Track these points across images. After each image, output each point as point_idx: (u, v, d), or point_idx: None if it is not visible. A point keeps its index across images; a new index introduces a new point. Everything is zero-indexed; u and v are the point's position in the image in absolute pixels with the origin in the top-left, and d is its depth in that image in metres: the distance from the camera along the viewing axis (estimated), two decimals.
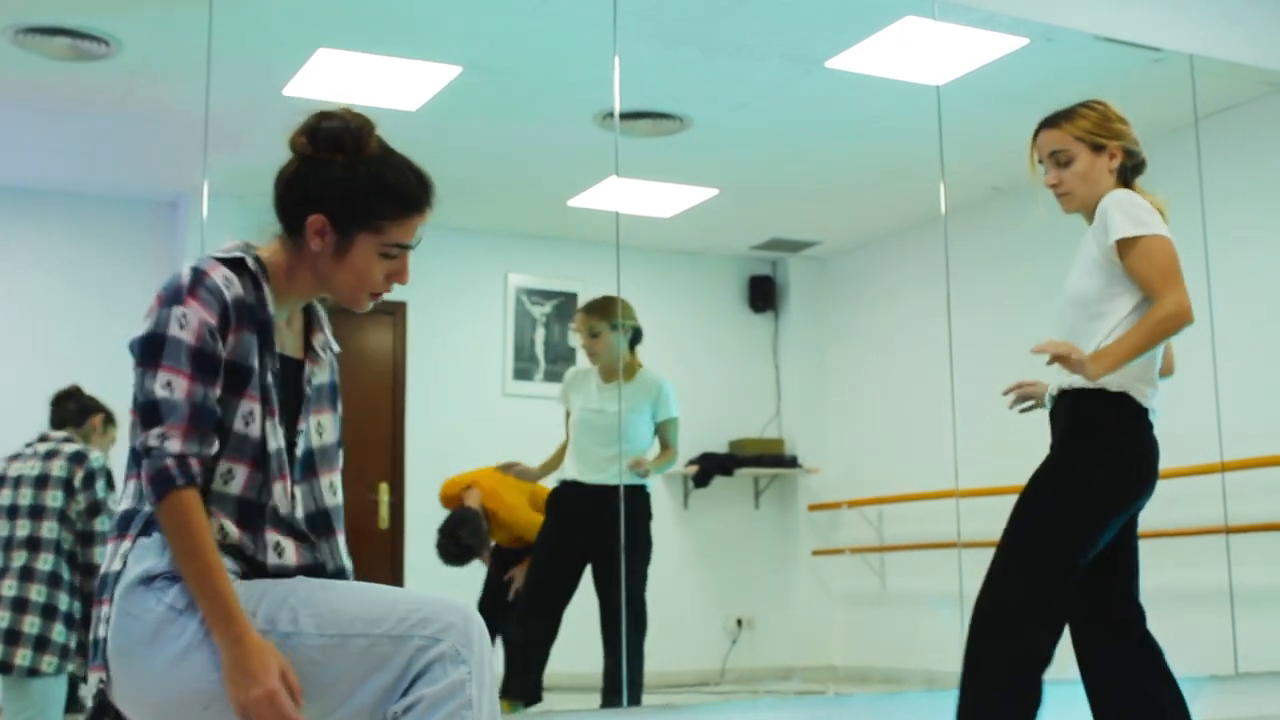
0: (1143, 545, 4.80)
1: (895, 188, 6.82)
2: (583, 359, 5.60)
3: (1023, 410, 3.49)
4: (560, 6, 5.13)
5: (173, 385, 2.10)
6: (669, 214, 7.02)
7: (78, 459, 4.50)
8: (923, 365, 5.66)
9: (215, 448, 2.14)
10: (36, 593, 4.37)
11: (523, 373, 6.80)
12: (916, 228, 6.80)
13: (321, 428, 2.37)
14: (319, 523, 2.33)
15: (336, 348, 2.45)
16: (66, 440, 4.56)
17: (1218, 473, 5.77)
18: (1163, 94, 6.13)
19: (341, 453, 2.43)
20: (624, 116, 5.49)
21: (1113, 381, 3.19)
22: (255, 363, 2.21)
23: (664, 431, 5.33)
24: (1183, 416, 6.04)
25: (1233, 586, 5.73)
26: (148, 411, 2.10)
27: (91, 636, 2.17)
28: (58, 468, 4.47)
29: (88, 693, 2.17)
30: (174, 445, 2.08)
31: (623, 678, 4.85)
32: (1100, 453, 3.21)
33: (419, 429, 6.57)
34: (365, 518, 5.76)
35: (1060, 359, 3.16)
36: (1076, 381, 3.22)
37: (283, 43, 5.16)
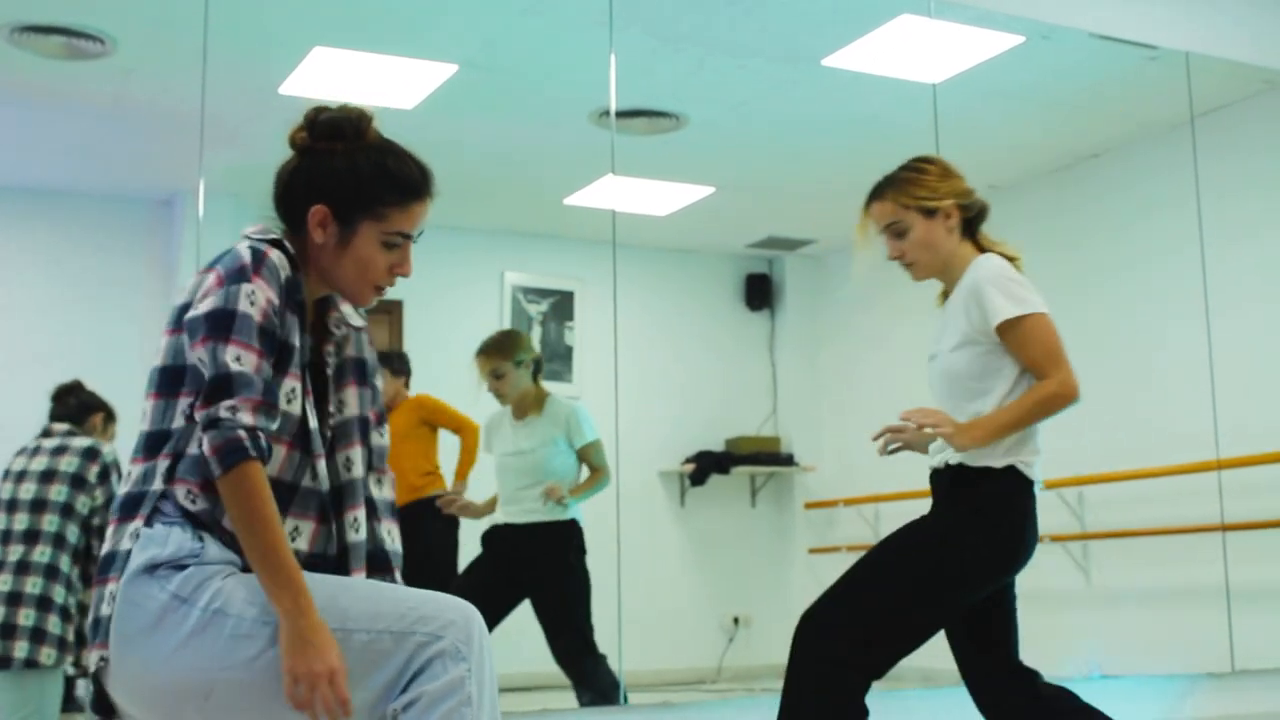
0: (1140, 543, 4.83)
1: None
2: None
3: (890, 452, 3.41)
4: (556, 5, 5.14)
5: (243, 359, 2.09)
6: (665, 212, 7.02)
7: (90, 454, 4.48)
8: (919, 363, 5.65)
9: (278, 424, 2.15)
10: (32, 585, 4.35)
11: None
12: None
13: (343, 404, 2.38)
14: (334, 499, 2.34)
15: (359, 322, 2.43)
16: (72, 434, 4.54)
17: (1214, 470, 5.78)
18: (1159, 92, 6.14)
19: (366, 428, 2.40)
20: (620, 115, 5.49)
21: (998, 454, 3.08)
22: (298, 342, 2.22)
23: (587, 456, 5.19)
24: (1179, 415, 6.08)
25: (1229, 584, 5.74)
26: (219, 383, 2.08)
27: (93, 615, 2.16)
28: (65, 463, 4.45)
29: (90, 660, 2.16)
30: (246, 418, 2.07)
31: (620, 678, 4.85)
32: (982, 527, 3.09)
33: None
34: None
35: (930, 428, 3.09)
36: (959, 456, 3.12)
37: (279, 41, 5.16)
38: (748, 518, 7.58)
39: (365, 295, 2.32)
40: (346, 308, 2.42)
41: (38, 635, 4.34)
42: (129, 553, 2.14)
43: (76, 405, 4.65)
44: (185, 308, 2.18)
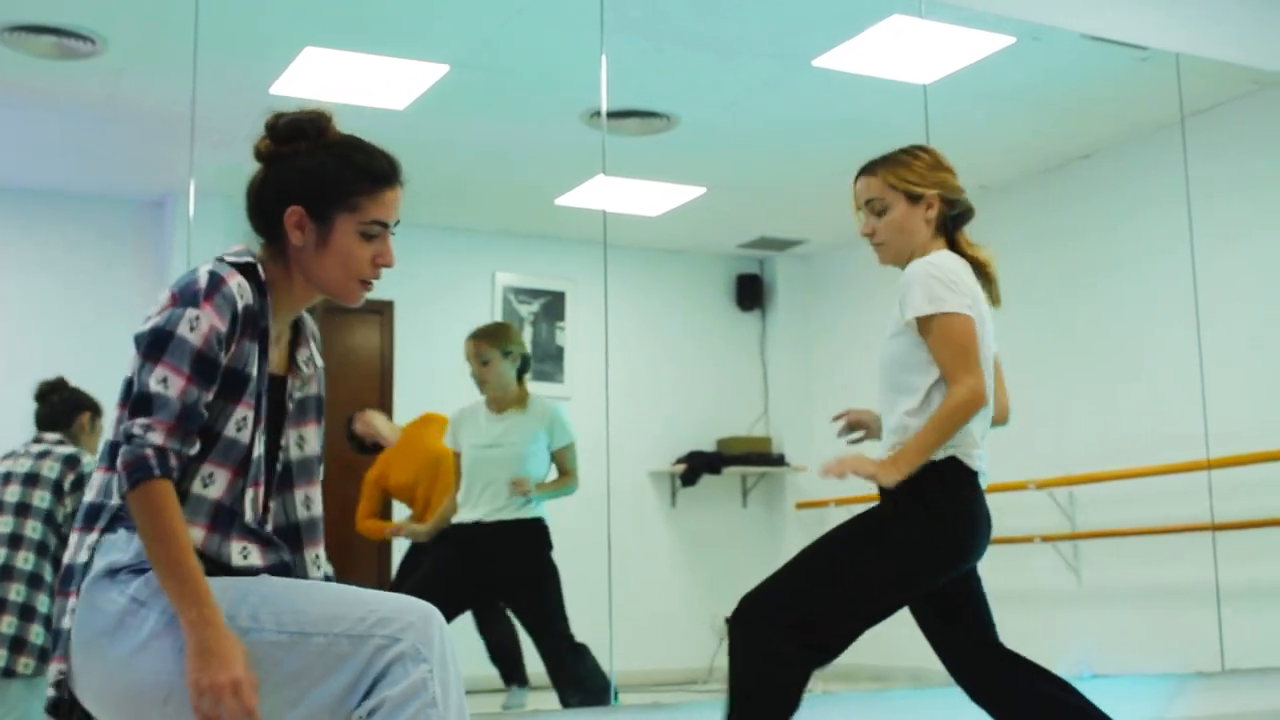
0: (1131, 543, 4.84)
1: None
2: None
3: (851, 441, 3.41)
4: (547, 5, 5.13)
5: (169, 382, 2.10)
6: (656, 212, 7.02)
7: (70, 462, 4.47)
8: None
9: (195, 449, 2.15)
10: (15, 593, 4.34)
11: None
12: None
13: (304, 440, 2.39)
14: (288, 536, 2.34)
15: (321, 362, 2.45)
16: (60, 443, 4.53)
17: (1204, 470, 5.79)
18: (1149, 92, 6.15)
19: (321, 467, 2.43)
20: (611, 115, 5.49)
21: (938, 448, 3.07)
22: (254, 370, 2.22)
23: (561, 459, 5.12)
24: (1169, 415, 6.09)
25: (1219, 583, 5.75)
26: (139, 402, 2.11)
27: (54, 627, 2.17)
28: (48, 468, 4.44)
29: (51, 674, 2.17)
30: (156, 438, 2.08)
31: (611, 679, 4.84)
32: (926, 517, 3.09)
33: None
34: (355, 516, 5.75)
35: (855, 473, 3.12)
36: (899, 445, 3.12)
37: (269, 41, 5.15)
38: (739, 518, 7.58)
39: (353, 291, 2.32)
40: (314, 345, 2.43)
41: (17, 644, 4.32)
42: (87, 564, 2.15)
43: (61, 404, 4.63)
44: None
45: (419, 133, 5.85)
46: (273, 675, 2.09)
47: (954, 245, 3.29)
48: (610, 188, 5.55)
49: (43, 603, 4.35)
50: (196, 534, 2.16)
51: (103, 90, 5.29)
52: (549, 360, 6.92)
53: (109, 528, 2.16)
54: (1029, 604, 6.29)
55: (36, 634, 4.33)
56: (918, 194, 3.24)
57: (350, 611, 2.12)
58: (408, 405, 6.55)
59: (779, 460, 7.50)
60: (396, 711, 2.07)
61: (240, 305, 2.18)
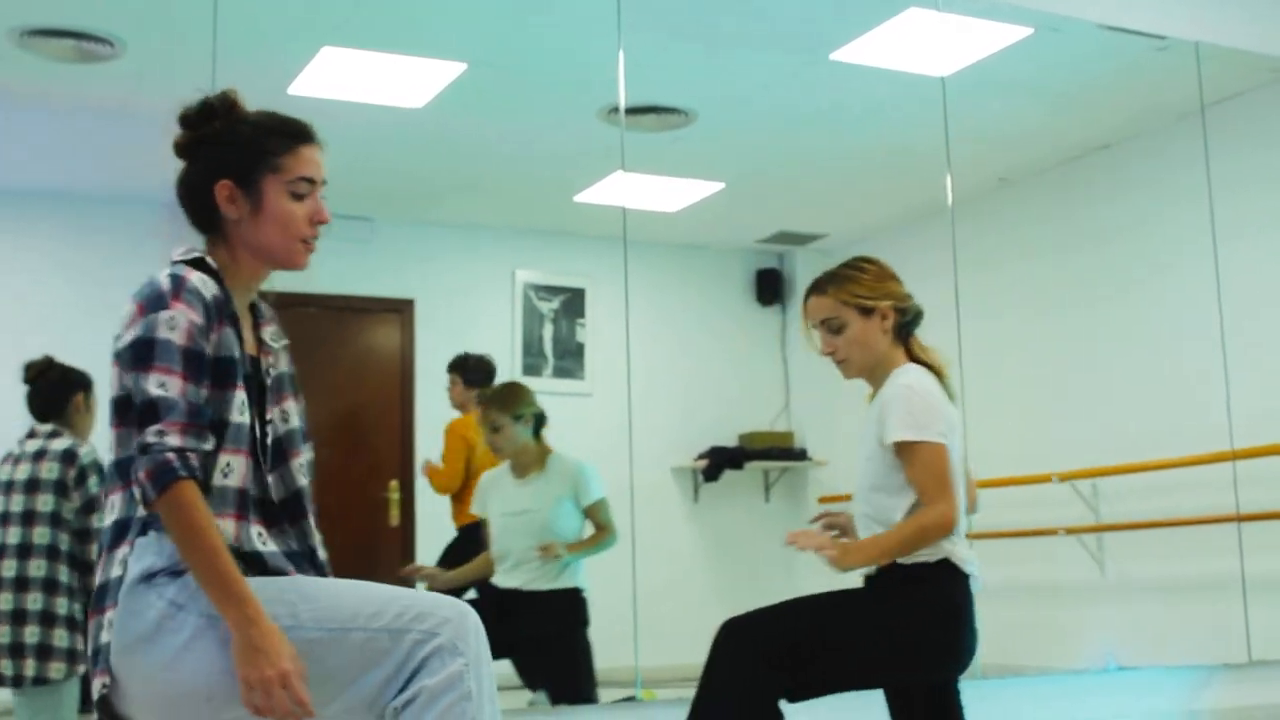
0: (1156, 535, 4.82)
1: (902, 179, 6.81)
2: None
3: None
4: (564, 2, 5.14)
5: (167, 384, 2.13)
6: (675, 208, 7.01)
7: (67, 458, 4.41)
8: None
9: (211, 444, 2.17)
10: (32, 601, 4.33)
11: (531, 368, 6.79)
12: (923, 219, 6.79)
13: (286, 414, 2.42)
14: (292, 505, 2.38)
15: (285, 339, 2.50)
16: (53, 435, 4.48)
17: (1229, 461, 5.76)
18: (1168, 82, 6.12)
19: (307, 441, 2.47)
20: (629, 111, 5.49)
21: (928, 550, 3.12)
22: (237, 354, 2.26)
23: (593, 515, 5.01)
24: (1193, 405, 6.06)
25: (1245, 574, 5.72)
26: (145, 411, 2.12)
27: (92, 646, 2.18)
28: (46, 469, 4.39)
29: (95, 691, 2.18)
30: (173, 440, 2.10)
31: (636, 675, 4.85)
32: (916, 624, 3.13)
33: (429, 426, 6.56)
34: (377, 515, 5.77)
35: (817, 550, 3.17)
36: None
37: (287, 41, 5.16)
38: (761, 513, 7.57)
39: (297, 254, 2.37)
40: (274, 325, 2.47)
41: (44, 652, 4.33)
42: (121, 579, 2.16)
43: (52, 387, 4.55)
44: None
45: (437, 131, 5.85)
46: (314, 671, 2.11)
47: (910, 352, 3.35)
48: (629, 184, 5.54)
49: (61, 606, 4.35)
50: (227, 527, 2.19)
51: (122, 93, 5.31)
52: (569, 357, 6.92)
53: (140, 534, 2.18)
54: (1053, 597, 6.28)
55: (61, 638, 4.33)
56: (870, 307, 3.31)
57: (388, 607, 2.15)
58: (429, 404, 6.56)
59: (801, 455, 7.49)
60: (433, 702, 2.10)
61: (208, 295, 2.23)
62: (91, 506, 4.40)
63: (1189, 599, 5.98)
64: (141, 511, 2.17)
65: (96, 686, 2.16)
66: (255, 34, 4.94)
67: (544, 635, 4.89)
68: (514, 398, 5.14)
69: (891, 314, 3.31)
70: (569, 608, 4.96)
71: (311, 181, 2.36)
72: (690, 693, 3.20)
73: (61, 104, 5.44)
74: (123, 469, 2.20)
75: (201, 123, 2.39)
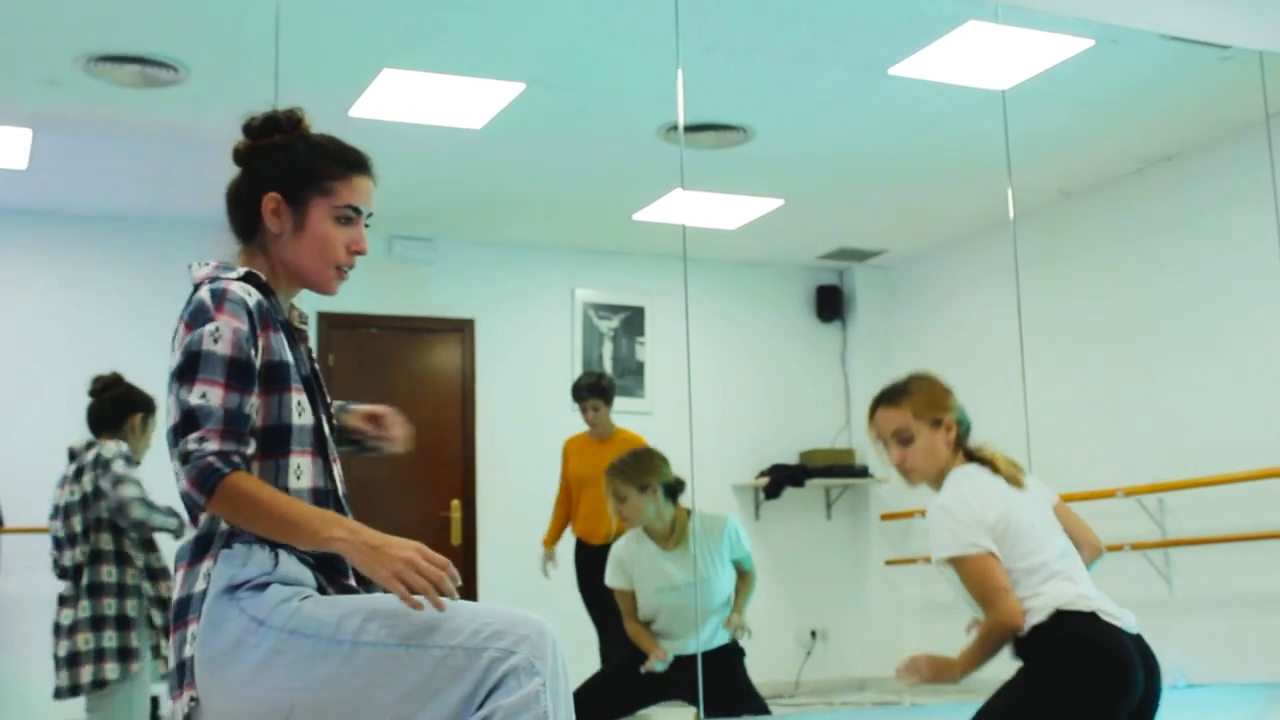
0: (1212, 550, 4.76)
1: (962, 193, 6.79)
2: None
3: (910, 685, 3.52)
4: (622, 20, 5.14)
5: (208, 394, 2.15)
6: (735, 225, 7.01)
7: (99, 464, 4.45)
8: (994, 371, 5.62)
9: (252, 448, 2.18)
10: (108, 606, 4.43)
11: None
12: (984, 233, 6.76)
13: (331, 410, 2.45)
14: (349, 499, 2.40)
15: (306, 318, 2.51)
16: (90, 446, 4.52)
17: None
18: (1232, 92, 6.06)
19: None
20: (688, 129, 5.49)
21: (1034, 615, 3.21)
22: (290, 358, 2.27)
23: (740, 564, 4.87)
24: (1259, 419, 5.99)
25: None
26: (185, 421, 2.15)
27: (175, 660, 2.19)
28: (88, 481, 4.46)
29: (178, 710, 2.18)
30: (212, 445, 2.12)
31: (699, 694, 4.84)
32: (1061, 673, 3.19)
33: (490, 445, 6.59)
34: (438, 534, 5.79)
35: (922, 676, 3.30)
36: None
37: (348, 64, 5.21)
38: (823, 530, 7.55)
39: (330, 279, 2.38)
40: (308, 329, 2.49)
41: (125, 654, 4.42)
42: (204, 593, 2.17)
43: (113, 402, 4.62)
44: None
45: (496, 151, 5.88)
46: (391, 688, 2.11)
47: (967, 453, 3.46)
48: (688, 201, 5.55)
49: (109, 606, 4.42)
50: None
51: (185, 117, 5.37)
52: (629, 375, 6.93)
53: (224, 546, 2.19)
54: None
55: (110, 639, 4.42)
56: (939, 419, 3.43)
57: (465, 624, 2.13)
58: (490, 422, 6.59)
59: (862, 472, 7.46)
60: None
61: (251, 302, 2.23)
62: (119, 481, 4.39)
63: (1258, 615, 5.90)
64: (224, 525, 2.18)
65: (184, 701, 2.17)
66: (316, 57, 4.98)
67: (714, 689, 4.82)
68: (639, 469, 4.81)
69: (954, 426, 3.44)
70: (734, 660, 4.93)
71: (358, 211, 2.38)
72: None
73: (127, 129, 5.51)
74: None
75: (263, 134, 2.41)
